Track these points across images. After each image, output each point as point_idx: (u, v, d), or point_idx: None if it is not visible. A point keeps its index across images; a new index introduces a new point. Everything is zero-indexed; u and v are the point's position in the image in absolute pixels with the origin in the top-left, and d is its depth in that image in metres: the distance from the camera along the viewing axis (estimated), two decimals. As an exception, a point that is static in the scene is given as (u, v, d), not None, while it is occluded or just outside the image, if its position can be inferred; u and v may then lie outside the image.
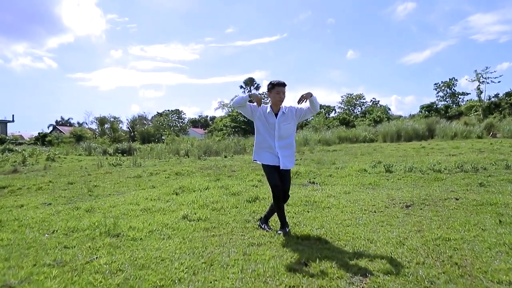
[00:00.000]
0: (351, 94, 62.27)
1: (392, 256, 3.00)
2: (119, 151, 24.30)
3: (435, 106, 46.33)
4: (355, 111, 59.33)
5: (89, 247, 3.54)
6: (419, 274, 2.62)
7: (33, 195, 7.68)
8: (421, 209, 4.67)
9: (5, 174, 13.09)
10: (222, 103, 65.53)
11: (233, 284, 2.61)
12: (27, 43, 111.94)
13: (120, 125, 58.33)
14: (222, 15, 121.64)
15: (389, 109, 53.21)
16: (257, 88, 70.70)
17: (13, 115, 59.93)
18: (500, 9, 79.37)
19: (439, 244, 3.22)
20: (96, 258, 3.22)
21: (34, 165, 16.26)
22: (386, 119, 37.63)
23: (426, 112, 43.41)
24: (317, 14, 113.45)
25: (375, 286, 2.49)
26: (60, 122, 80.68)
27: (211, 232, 3.99)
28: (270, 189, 3.90)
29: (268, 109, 3.92)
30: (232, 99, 3.75)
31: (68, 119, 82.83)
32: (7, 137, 45.25)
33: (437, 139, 22.42)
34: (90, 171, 12.50)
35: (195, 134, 55.49)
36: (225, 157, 16.93)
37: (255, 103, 3.93)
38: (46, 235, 4.13)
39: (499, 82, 39.30)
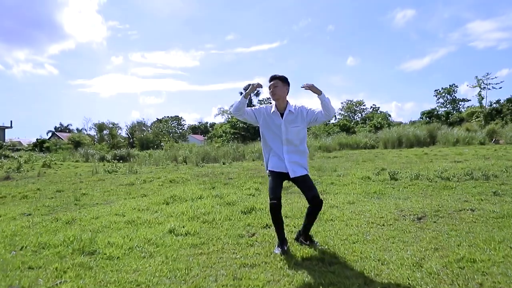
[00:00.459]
0: (351, 101, 62.02)
1: (410, 282, 2.53)
2: (117, 158, 23.91)
3: (436, 112, 45.96)
4: (355, 118, 58.99)
5: (56, 268, 3.06)
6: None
7: (15, 204, 7.20)
8: (434, 222, 4.19)
9: (-4, 181, 12.65)
10: (222, 110, 65.17)
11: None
12: (28, 49, 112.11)
13: (119, 131, 58.06)
14: (222, 22, 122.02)
15: (389, 115, 52.87)
16: (257, 94, 70.45)
17: (11, 121, 59.64)
18: (499, 16, 79.55)
19: (464, 267, 2.74)
20: (60, 283, 2.74)
21: (29, 172, 15.87)
22: (386, 125, 37.20)
23: (427, 119, 43.04)
24: (317, 21, 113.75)
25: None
26: (59, 129, 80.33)
27: (199, 250, 3.51)
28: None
29: (273, 109, 3.45)
30: (232, 106, 3.27)
31: (67, 126, 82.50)
32: (5, 143, 44.84)
33: (439, 146, 22.00)
34: (83, 178, 12.08)
35: (195, 140, 55.04)
36: (224, 164, 16.51)
37: (258, 106, 3.48)
38: (13, 252, 3.65)
39: (500, 88, 38.94)
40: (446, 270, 2.71)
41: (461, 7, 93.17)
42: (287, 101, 3.48)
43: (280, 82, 3.41)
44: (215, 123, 68.94)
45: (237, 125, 43.07)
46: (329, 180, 8.21)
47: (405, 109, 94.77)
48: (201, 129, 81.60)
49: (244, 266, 3.00)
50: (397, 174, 8.13)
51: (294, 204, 5.61)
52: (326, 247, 3.42)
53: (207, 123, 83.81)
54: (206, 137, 57.02)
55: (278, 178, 3.38)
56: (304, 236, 3.60)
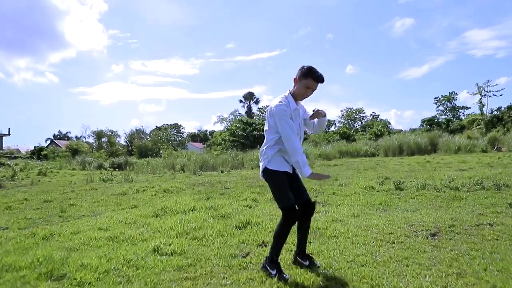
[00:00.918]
0: (351, 108, 61.76)
1: (435, 321, 2.09)
2: (115, 166, 23.51)
3: (436, 120, 45.65)
4: (355, 125, 58.67)
5: (14, 298, 2.61)
6: None
7: (-4, 216, 6.74)
8: (451, 239, 3.75)
9: (-14, 190, 12.21)
10: (221, 117, 64.90)
11: None
12: (29, 58, 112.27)
13: (118, 139, 57.70)
14: (222, 31, 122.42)
15: (389, 123, 52.55)
16: (257, 102, 70.33)
17: (9, 129, 59.23)
18: (497, 25, 79.87)
19: (497, 300, 2.30)
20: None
21: (23, 180, 15.45)
22: (387, 133, 36.84)
23: (428, 126, 42.69)
24: (317, 29, 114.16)
25: None
26: (58, 136, 79.97)
27: (184, 273, 3.06)
28: (284, 213, 2.91)
29: (294, 104, 3.01)
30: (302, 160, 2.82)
31: (66, 133, 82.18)
32: (1, 151, 44.41)
33: (441, 153, 21.61)
34: (76, 187, 11.66)
35: (194, 148, 54.58)
36: (222, 172, 16.11)
37: (281, 107, 2.94)
38: (-27, 275, 3.20)
39: (501, 95, 38.66)
40: (476, 303, 2.27)
41: (459, 16, 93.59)
42: None
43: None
44: (214, 131, 68.61)
45: (236, 133, 42.65)
46: (330, 190, 7.77)
47: (404, 117, 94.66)
48: (201, 137, 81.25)
49: (234, 296, 2.55)
50: (402, 184, 7.69)
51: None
52: (331, 270, 2.97)
53: (206, 131, 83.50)
54: (205, 145, 56.60)
55: (287, 180, 3.00)
56: (302, 254, 3.18)
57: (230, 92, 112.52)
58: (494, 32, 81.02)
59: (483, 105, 37.81)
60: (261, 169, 3.08)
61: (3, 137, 55.81)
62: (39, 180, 15.21)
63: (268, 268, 2.98)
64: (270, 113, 2.97)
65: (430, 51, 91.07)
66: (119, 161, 25.16)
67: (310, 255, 3.23)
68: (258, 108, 70.38)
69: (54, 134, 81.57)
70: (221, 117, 64.60)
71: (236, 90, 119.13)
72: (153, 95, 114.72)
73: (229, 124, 54.48)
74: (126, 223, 5.21)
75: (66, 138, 73.41)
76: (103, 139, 53.26)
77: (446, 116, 49.21)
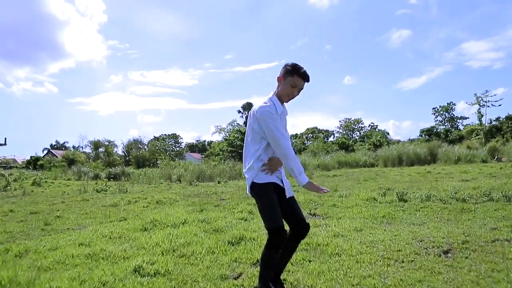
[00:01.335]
0: (349, 119, 61.65)
1: None
2: (112, 176, 23.14)
3: (435, 130, 45.48)
4: (353, 136, 58.48)
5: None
6: None
7: (-25, 229, 6.32)
8: (466, 257, 3.37)
9: (-25, 201, 11.79)
10: (219, 128, 64.61)
11: None
12: (29, 68, 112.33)
13: (115, 149, 57.33)
14: (221, 42, 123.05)
15: (388, 133, 52.37)
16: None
17: (5, 138, 58.41)
18: (493, 37, 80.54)
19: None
20: None
21: (16, 191, 15.04)
22: (386, 143, 36.57)
23: (427, 136, 42.51)
24: (315, 41, 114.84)
25: None
26: (55, 146, 79.43)
27: (166, 299, 2.67)
28: (270, 234, 2.51)
29: (280, 107, 2.62)
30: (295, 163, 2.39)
31: (64, 143, 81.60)
32: (-4, 161, 43.95)
33: (441, 164, 21.31)
34: (68, 198, 11.27)
35: (192, 159, 54.18)
36: (219, 182, 15.77)
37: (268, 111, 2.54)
38: None
39: (499, 105, 38.53)
40: None
41: (455, 27, 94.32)
42: None
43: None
44: (212, 141, 68.28)
45: (234, 143, 42.35)
46: (330, 202, 7.39)
47: (402, 127, 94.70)
48: (199, 148, 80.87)
49: (221, 329, 2.16)
50: (405, 195, 7.32)
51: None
52: (334, 296, 2.59)
53: (205, 141, 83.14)
54: (203, 156, 56.22)
55: (275, 195, 2.57)
56: (275, 278, 2.70)
57: (229, 102, 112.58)
58: (490, 43, 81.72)
59: (482, 115, 37.72)
60: (248, 184, 2.65)
61: (-1, 147, 55.35)
62: (32, 191, 14.83)
63: None
64: (254, 117, 2.55)
65: (427, 62, 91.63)
66: (116, 171, 24.80)
67: (283, 282, 2.81)
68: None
69: (51, 144, 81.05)
70: (219, 128, 64.27)
71: (235, 100, 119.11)
72: (152, 106, 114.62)
73: (227, 134, 54.18)
74: (110, 238, 4.81)
75: (63, 148, 72.87)
76: (100, 149, 52.90)
77: (444, 127, 49.06)
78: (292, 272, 3.16)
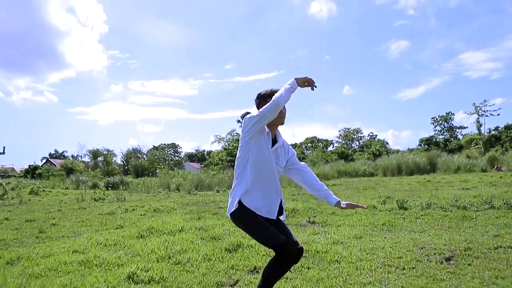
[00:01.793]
0: (348, 129, 61.67)
1: None
2: (110, 185, 23.04)
3: (434, 140, 45.48)
4: (353, 145, 58.48)
5: None
6: None
7: (-31, 237, 6.21)
8: (469, 264, 3.28)
9: (-29, 209, 11.69)
10: (218, 137, 64.56)
11: None
12: (29, 77, 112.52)
13: (114, 158, 57.10)
14: (221, 53, 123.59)
15: (387, 143, 52.33)
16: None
17: (4, 147, 58.20)
18: (490, 47, 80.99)
19: None
20: None
21: (13, 199, 14.92)
22: (385, 153, 36.52)
23: (426, 146, 42.47)
24: (314, 51, 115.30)
25: None
26: (54, 155, 79.19)
27: (160, 307, 2.58)
28: (277, 253, 2.23)
29: (267, 129, 2.41)
30: (279, 97, 2.19)
31: (63, 152, 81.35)
32: (-5, 170, 43.80)
33: (440, 173, 21.26)
34: (65, 206, 11.18)
35: (191, 168, 53.98)
36: (217, 191, 15.69)
37: None
38: None
39: (498, 115, 38.55)
40: None
41: (453, 38, 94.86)
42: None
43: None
44: (212, 151, 68.16)
45: (234, 153, 42.24)
46: (329, 210, 7.30)
47: (401, 137, 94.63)
48: (198, 157, 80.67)
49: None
50: (405, 203, 7.24)
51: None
52: (333, 303, 2.50)
53: (204, 151, 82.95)
54: (202, 165, 56.03)
55: (265, 220, 2.34)
56: None
57: (228, 112, 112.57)
58: (488, 54, 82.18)
59: (481, 125, 37.75)
60: (227, 214, 2.44)
61: (-2, 156, 55.20)
62: (29, 199, 14.73)
63: None
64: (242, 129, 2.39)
65: (426, 73, 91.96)
66: (114, 180, 24.72)
67: None
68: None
69: (50, 153, 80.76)
70: (218, 137, 64.21)
71: (235, 110, 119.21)
72: (152, 115, 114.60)
73: (226, 144, 54.12)
74: (105, 245, 4.72)
75: (62, 157, 72.60)
76: (99, 158, 52.66)
77: (443, 136, 49.10)
78: (290, 279, 3.07)
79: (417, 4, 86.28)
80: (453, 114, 51.34)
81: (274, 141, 2.47)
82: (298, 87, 2.35)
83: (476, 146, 37.01)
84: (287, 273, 3.12)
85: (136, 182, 23.40)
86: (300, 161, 2.67)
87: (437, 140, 45.44)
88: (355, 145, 58.96)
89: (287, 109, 2.48)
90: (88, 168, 46.55)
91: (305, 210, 7.39)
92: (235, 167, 2.50)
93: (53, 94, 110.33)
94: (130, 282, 3.05)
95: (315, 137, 59.22)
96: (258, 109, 2.38)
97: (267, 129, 2.40)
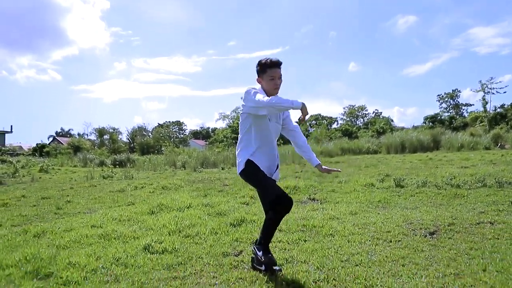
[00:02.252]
0: (353, 106, 61.49)
1: (429, 324, 1.99)
2: (117, 163, 23.53)
3: (439, 117, 45.38)
4: (357, 123, 58.45)
5: (-4, 298, 2.54)
6: None
7: (-9, 213, 6.68)
8: (450, 238, 3.64)
9: (-14, 187, 12.23)
10: (223, 114, 64.78)
11: None
12: (32, 55, 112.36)
13: (120, 136, 57.67)
14: (224, 29, 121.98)
15: (392, 120, 52.28)
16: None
17: (11, 126, 59.33)
18: (500, 23, 79.21)
19: (495, 302, 2.19)
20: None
21: (25, 177, 15.46)
22: (389, 130, 36.64)
23: (430, 123, 42.46)
24: (319, 27, 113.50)
25: None
26: (60, 133, 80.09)
27: (174, 272, 2.97)
28: (271, 205, 2.70)
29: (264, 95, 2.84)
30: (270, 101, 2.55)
31: (68, 130, 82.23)
32: (4, 148, 44.56)
33: (443, 151, 21.47)
34: (76, 184, 11.62)
35: (196, 145, 54.50)
36: (222, 169, 16.09)
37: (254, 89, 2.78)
38: (-41, 273, 3.13)
39: (505, 92, 38.32)
40: (474, 306, 2.16)
41: (462, 13, 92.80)
42: None
43: (281, 71, 2.85)
44: (216, 128, 68.49)
45: (238, 130, 42.62)
46: (330, 187, 7.68)
47: (407, 114, 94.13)
48: (203, 134, 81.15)
49: (222, 297, 2.46)
50: (402, 181, 7.58)
51: (291, 215, 5.08)
52: (324, 270, 2.87)
53: (208, 128, 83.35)
54: (207, 142, 56.52)
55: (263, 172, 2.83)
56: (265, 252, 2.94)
57: (232, 89, 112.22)
58: (497, 29, 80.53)
59: (486, 102, 37.63)
60: (238, 171, 2.95)
61: (6, 134, 55.98)
62: (40, 177, 15.24)
63: (257, 252, 2.87)
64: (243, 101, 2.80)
65: (433, 49, 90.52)
66: (121, 158, 25.15)
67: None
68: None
69: (57, 131, 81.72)
70: (223, 114, 64.43)
71: (239, 87, 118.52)
72: (156, 93, 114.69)
73: (231, 121, 54.39)
74: (120, 221, 5.13)
75: (68, 135, 73.46)
76: (105, 136, 53.26)
77: (449, 114, 48.91)
78: (288, 250, 3.45)
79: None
80: (459, 91, 51.03)
81: None
82: (296, 109, 2.60)
83: (481, 124, 36.96)
84: (285, 245, 3.51)
85: (142, 159, 23.87)
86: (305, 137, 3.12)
87: (442, 117, 45.31)
88: (359, 122, 58.93)
89: (283, 80, 2.86)
90: (94, 146, 47.22)
91: (306, 187, 7.74)
92: (239, 131, 2.99)
93: (56, 72, 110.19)
94: (147, 253, 3.45)
95: (319, 115, 59.27)
96: (258, 76, 2.83)
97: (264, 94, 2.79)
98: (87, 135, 61.42)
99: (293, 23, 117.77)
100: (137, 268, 3.07)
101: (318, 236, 3.89)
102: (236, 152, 2.95)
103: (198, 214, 5.23)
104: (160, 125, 70.65)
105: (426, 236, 3.74)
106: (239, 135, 2.99)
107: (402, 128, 39.50)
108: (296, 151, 3.09)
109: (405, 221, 4.39)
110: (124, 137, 58.85)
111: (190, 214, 5.25)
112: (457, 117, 46.41)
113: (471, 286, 2.44)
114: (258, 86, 2.88)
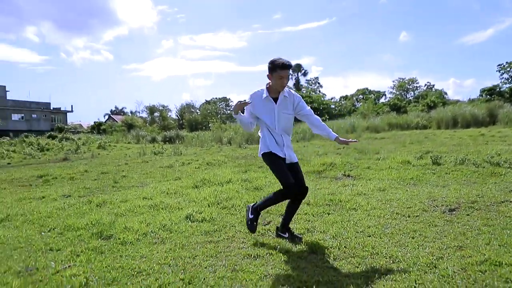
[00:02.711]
0: (403, 79, 58.73)
1: (417, 286, 2.31)
2: (167, 139, 24.90)
3: (498, 89, 42.14)
4: (407, 96, 55.94)
5: (71, 251, 3.21)
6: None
7: (62, 185, 7.72)
8: (468, 214, 3.82)
9: (55, 162, 13.77)
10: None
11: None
12: (86, 37, 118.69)
13: (169, 113, 60.06)
14: (269, 1, 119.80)
15: (446, 93, 49.39)
16: (305, 74, 69.30)
17: (72, 106, 64.02)
18: None
19: (485, 271, 2.44)
20: (69, 266, 2.86)
21: (85, 153, 17.10)
22: (441, 104, 34.84)
23: (488, 96, 39.63)
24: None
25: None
26: (115, 111, 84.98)
27: (210, 237, 3.50)
28: (283, 187, 3.14)
29: (265, 94, 3.26)
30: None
31: (122, 108, 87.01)
32: (66, 126, 48.43)
33: (499, 126, 20.29)
34: (130, 160, 12.70)
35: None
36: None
37: (248, 107, 3.31)
38: (42, 233, 3.90)
39: None
40: (464, 273, 2.43)
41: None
42: None
43: (289, 73, 3.29)
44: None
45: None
46: (365, 164, 7.85)
47: (464, 86, 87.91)
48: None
49: (247, 257, 2.93)
50: (440, 159, 7.55)
51: (320, 190, 5.43)
52: (338, 240, 3.24)
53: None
54: (253, 118, 57.15)
55: (281, 160, 3.24)
56: (283, 228, 3.41)
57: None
58: None
59: (555, 72, 34.23)
60: (259, 155, 3.40)
61: (67, 114, 60.64)
62: (98, 154, 16.76)
63: (249, 213, 3.38)
64: None
65: (496, 13, 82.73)
66: (171, 135, 26.56)
67: (291, 229, 3.46)
68: (306, 80, 69.40)
69: (111, 109, 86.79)
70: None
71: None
72: (202, 69, 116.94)
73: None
74: (167, 193, 5.80)
75: (122, 113, 77.80)
76: (155, 114, 55.79)
77: (510, 85, 45.20)
78: (311, 222, 3.85)
79: None
80: (524, 60, 46.70)
81: (277, 100, 3.27)
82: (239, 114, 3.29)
83: (547, 96, 33.93)
84: (309, 217, 3.91)
85: (190, 136, 25.02)
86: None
87: (502, 89, 42.02)
88: (410, 96, 56.35)
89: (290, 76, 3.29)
90: (146, 123, 49.72)
91: (342, 164, 7.98)
92: None
93: (109, 52, 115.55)
94: (188, 221, 4.03)
95: (367, 89, 57.45)
96: (269, 72, 3.24)
97: (266, 94, 3.25)
98: (139, 112, 64.63)
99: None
100: (179, 233, 3.64)
101: (341, 210, 4.24)
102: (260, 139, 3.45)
103: (236, 189, 5.75)
104: (207, 102, 72.39)
105: (444, 212, 3.94)
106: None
107: (457, 102, 37.36)
108: (314, 131, 3.39)
109: (429, 198, 4.58)
110: (173, 114, 61.21)
111: (229, 188, 5.79)
112: (520, 88, 42.80)
113: (469, 257, 2.68)
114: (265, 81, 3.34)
